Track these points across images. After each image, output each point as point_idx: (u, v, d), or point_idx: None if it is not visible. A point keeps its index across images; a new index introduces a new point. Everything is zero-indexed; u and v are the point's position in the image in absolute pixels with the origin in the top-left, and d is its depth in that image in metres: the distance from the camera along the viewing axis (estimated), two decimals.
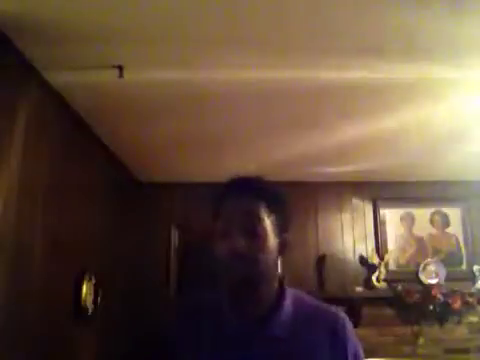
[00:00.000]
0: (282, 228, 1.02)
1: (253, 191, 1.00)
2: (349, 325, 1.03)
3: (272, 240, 0.98)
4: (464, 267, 3.84)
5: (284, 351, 0.96)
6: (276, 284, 1.03)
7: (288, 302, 1.02)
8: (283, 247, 1.02)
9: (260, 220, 0.98)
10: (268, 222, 0.99)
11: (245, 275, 0.94)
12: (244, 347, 0.96)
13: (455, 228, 3.93)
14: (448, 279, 3.72)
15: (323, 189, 3.95)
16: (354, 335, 1.03)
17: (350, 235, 3.92)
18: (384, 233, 3.90)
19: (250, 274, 0.95)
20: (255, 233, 0.97)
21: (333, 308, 1.07)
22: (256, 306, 0.99)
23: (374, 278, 3.73)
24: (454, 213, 3.96)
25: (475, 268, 3.77)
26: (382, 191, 3.97)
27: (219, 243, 0.98)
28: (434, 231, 3.93)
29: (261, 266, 0.96)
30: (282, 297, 1.02)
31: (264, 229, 0.98)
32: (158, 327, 1.11)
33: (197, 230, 3.68)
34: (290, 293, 1.05)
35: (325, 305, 1.07)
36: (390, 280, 3.74)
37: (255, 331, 0.97)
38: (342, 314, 1.05)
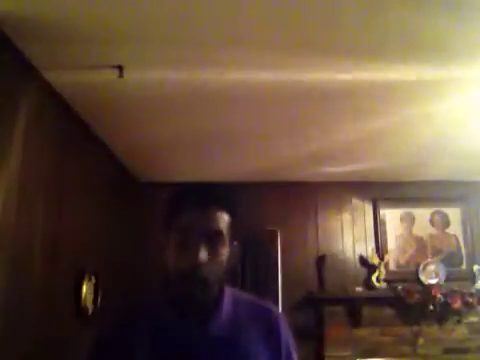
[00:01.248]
0: (235, 236, 1.02)
1: (214, 201, 0.99)
2: (283, 321, 1.07)
3: (226, 251, 0.99)
4: (464, 267, 3.84)
5: (224, 350, 0.97)
6: (217, 286, 1.02)
7: (227, 301, 1.03)
8: (232, 256, 1.01)
9: (220, 234, 0.97)
10: (226, 234, 0.98)
11: (197, 290, 0.94)
12: (185, 348, 0.96)
13: (455, 228, 3.93)
14: (448, 279, 3.72)
15: (323, 189, 3.95)
16: (288, 330, 1.07)
17: (350, 235, 3.92)
18: (384, 233, 3.90)
19: (201, 289, 0.95)
20: (214, 246, 0.96)
21: (268, 304, 1.10)
22: (198, 303, 0.98)
23: (374, 278, 3.73)
24: (454, 213, 3.96)
25: (475, 268, 3.77)
26: (382, 191, 3.98)
27: (174, 252, 0.96)
28: (434, 231, 3.93)
29: (212, 280, 0.96)
30: (221, 297, 1.03)
31: (222, 241, 0.97)
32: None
33: None
34: (228, 292, 1.06)
35: (261, 302, 1.10)
36: (390, 280, 3.74)
37: (196, 332, 0.98)
38: (276, 310, 1.10)
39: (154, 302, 1.06)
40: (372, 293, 3.69)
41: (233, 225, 1.01)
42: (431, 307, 3.57)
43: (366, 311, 3.61)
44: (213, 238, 0.96)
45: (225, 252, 0.98)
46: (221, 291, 1.04)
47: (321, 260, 3.78)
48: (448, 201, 3.97)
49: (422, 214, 3.94)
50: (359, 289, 3.71)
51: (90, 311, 2.53)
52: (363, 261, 3.85)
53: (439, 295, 3.56)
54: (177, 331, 0.97)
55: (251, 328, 1.02)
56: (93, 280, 2.58)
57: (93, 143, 2.74)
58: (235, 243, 1.03)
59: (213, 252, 0.95)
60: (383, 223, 3.93)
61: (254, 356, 0.99)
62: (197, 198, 0.98)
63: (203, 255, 0.92)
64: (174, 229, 0.98)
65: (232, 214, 1.01)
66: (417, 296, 3.58)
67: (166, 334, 0.97)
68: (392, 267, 3.83)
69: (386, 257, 3.80)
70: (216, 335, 0.98)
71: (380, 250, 3.84)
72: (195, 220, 0.96)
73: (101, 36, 1.71)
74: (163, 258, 1.00)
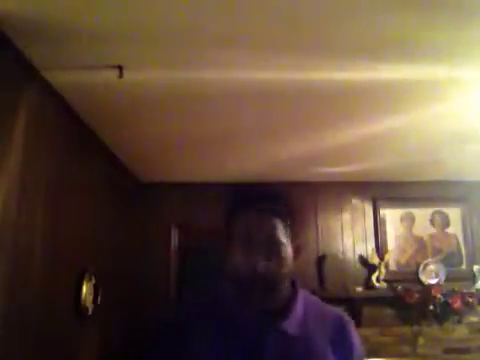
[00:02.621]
0: (295, 235, 1.04)
1: (270, 205, 1.00)
2: (354, 328, 1.08)
3: (289, 253, 1.01)
4: (464, 267, 3.85)
5: (294, 349, 0.98)
6: (289, 285, 1.06)
7: (300, 302, 1.05)
8: (297, 253, 1.04)
9: (280, 242, 0.99)
10: (285, 237, 1.00)
11: (263, 295, 0.97)
12: (256, 341, 0.98)
13: (455, 228, 3.94)
14: (448, 279, 3.73)
15: (323, 189, 3.95)
16: (358, 337, 1.08)
17: (350, 235, 3.92)
18: (384, 233, 3.91)
19: (267, 294, 0.98)
20: (276, 254, 0.98)
21: (340, 311, 1.11)
22: (270, 305, 1.01)
23: (374, 278, 3.73)
24: (454, 213, 3.96)
25: (475, 268, 3.78)
26: (382, 191, 3.98)
27: (239, 256, 0.98)
28: (434, 231, 3.93)
29: (279, 283, 0.99)
30: (295, 297, 1.05)
31: (284, 249, 0.99)
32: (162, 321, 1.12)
33: (197, 230, 3.69)
34: (302, 294, 1.08)
35: (332, 307, 1.12)
36: (390, 280, 3.75)
37: (268, 326, 0.99)
38: (347, 317, 1.10)
39: (227, 297, 1.05)
40: (372, 293, 3.69)
41: (292, 227, 1.03)
42: (431, 307, 3.57)
43: (366, 311, 3.61)
44: (272, 246, 0.98)
45: (285, 256, 1.00)
46: (295, 291, 1.06)
47: (321, 260, 3.78)
48: (448, 201, 3.97)
49: (422, 214, 3.94)
50: (359, 289, 3.71)
51: (90, 311, 2.53)
52: (363, 261, 3.85)
53: (439, 295, 3.57)
54: (250, 327, 0.99)
55: (323, 332, 1.03)
56: (93, 280, 2.58)
57: (93, 143, 2.74)
58: (297, 241, 1.05)
59: (273, 259, 0.98)
60: (383, 223, 3.93)
61: (324, 358, 1.00)
62: (256, 203, 1.01)
63: (261, 265, 0.96)
64: (235, 230, 1.01)
65: (290, 216, 1.03)
66: (417, 296, 3.59)
67: (239, 329, 0.99)
68: (392, 267, 3.83)
69: (386, 257, 3.80)
70: (288, 332, 0.99)
71: (380, 250, 3.84)
72: (254, 229, 0.99)
73: (101, 36, 1.71)
74: (227, 252, 1.03)
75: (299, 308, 1.04)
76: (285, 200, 1.05)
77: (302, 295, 1.08)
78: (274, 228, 0.99)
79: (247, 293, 0.98)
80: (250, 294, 0.98)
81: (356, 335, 1.07)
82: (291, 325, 1.00)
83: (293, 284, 1.08)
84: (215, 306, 1.05)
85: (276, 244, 0.99)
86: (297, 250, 1.04)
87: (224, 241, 1.04)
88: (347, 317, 1.10)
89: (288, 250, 1.01)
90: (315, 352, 0.99)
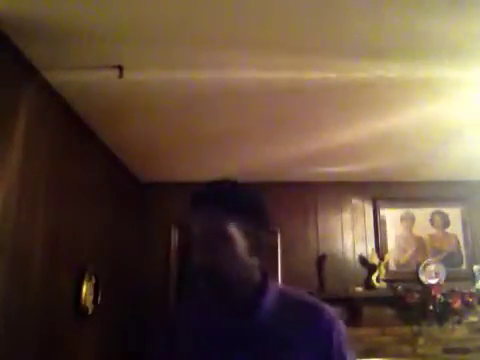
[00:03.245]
0: (253, 229, 1.03)
1: (220, 199, 1.01)
2: (337, 322, 1.04)
3: (240, 247, 1.00)
4: (464, 267, 3.84)
5: (265, 342, 0.98)
6: (256, 280, 1.05)
7: (270, 295, 1.04)
8: (257, 247, 1.03)
9: (227, 232, 0.99)
10: (236, 231, 1.00)
11: (217, 286, 1.00)
12: (227, 337, 0.99)
13: (455, 228, 3.93)
14: (448, 279, 3.72)
15: (323, 189, 3.95)
16: (342, 333, 1.03)
17: (350, 235, 3.92)
18: (384, 233, 3.90)
19: (221, 284, 1.00)
20: (224, 245, 0.99)
21: (322, 305, 1.07)
22: (235, 300, 1.02)
23: (374, 278, 3.73)
24: (454, 213, 3.96)
25: (475, 268, 3.77)
26: (382, 191, 3.98)
27: (193, 253, 1.01)
28: (434, 231, 3.93)
29: (231, 276, 0.99)
30: (263, 290, 1.04)
31: (232, 239, 0.99)
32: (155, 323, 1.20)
33: None
34: (274, 288, 1.07)
35: (315, 301, 1.08)
36: (390, 280, 3.74)
37: (237, 322, 1.00)
38: (330, 311, 1.05)
39: (204, 300, 1.08)
40: (372, 293, 3.68)
41: (247, 220, 1.02)
42: (431, 307, 3.56)
43: (366, 311, 3.61)
44: (222, 238, 0.99)
45: (239, 249, 1.00)
46: (263, 286, 1.05)
47: (321, 260, 3.78)
48: (448, 201, 3.97)
49: (422, 214, 3.94)
50: (359, 289, 3.71)
51: (90, 311, 2.53)
52: (363, 261, 3.85)
53: (439, 295, 3.56)
54: (221, 322, 1.02)
55: (297, 324, 1.01)
56: (93, 280, 2.58)
57: (93, 143, 2.74)
58: (258, 234, 1.04)
59: (225, 252, 0.99)
60: (383, 223, 3.93)
61: (292, 355, 0.98)
62: (208, 198, 1.02)
63: (203, 259, 0.98)
64: (191, 227, 1.03)
65: (242, 209, 1.02)
66: (417, 296, 3.58)
67: (210, 324, 1.02)
68: (392, 267, 3.83)
69: (386, 257, 3.80)
70: (258, 327, 1.00)
71: (380, 250, 3.84)
72: (204, 221, 1.01)
73: (101, 36, 1.71)
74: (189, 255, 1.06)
75: (268, 301, 1.03)
76: (247, 198, 1.05)
77: (274, 288, 1.07)
78: (224, 220, 0.99)
79: (206, 289, 1.01)
80: (208, 290, 1.01)
81: (340, 334, 1.02)
82: (260, 318, 1.00)
83: (264, 278, 1.07)
84: (194, 306, 1.11)
85: (225, 234, 0.99)
86: (256, 244, 1.03)
87: (188, 240, 1.07)
88: (331, 315, 1.04)
89: (238, 244, 1.00)
90: (287, 345, 0.98)
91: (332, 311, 1.05)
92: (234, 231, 1.00)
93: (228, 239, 0.99)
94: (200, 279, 1.00)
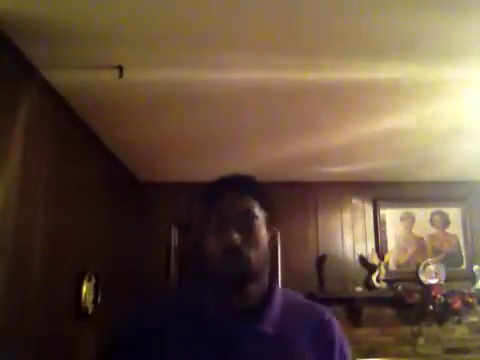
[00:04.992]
0: (271, 222, 1.03)
1: (244, 188, 1.02)
2: (336, 322, 1.04)
3: (264, 235, 1.00)
4: (464, 267, 3.85)
5: (272, 348, 0.95)
6: (266, 281, 1.03)
7: (277, 300, 1.02)
8: (272, 240, 1.03)
9: (254, 216, 0.99)
10: (260, 218, 1.00)
11: (241, 269, 0.94)
12: (231, 344, 0.94)
13: (455, 228, 3.94)
14: (448, 279, 3.72)
15: (323, 189, 3.95)
16: (342, 336, 1.04)
17: (350, 235, 3.92)
18: (384, 233, 3.90)
19: (245, 268, 0.95)
20: (250, 229, 0.97)
21: (320, 306, 1.07)
22: (245, 302, 0.98)
23: (374, 278, 3.73)
24: (454, 213, 3.96)
25: (475, 268, 3.77)
26: (382, 191, 3.98)
27: (212, 239, 0.97)
28: (434, 231, 3.93)
29: (255, 261, 0.96)
30: (272, 294, 1.02)
31: (258, 225, 0.99)
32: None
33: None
34: (279, 291, 1.05)
35: (312, 303, 1.08)
36: (390, 280, 3.74)
37: (243, 327, 0.96)
38: (328, 312, 1.06)
39: (197, 299, 1.02)
40: (372, 293, 3.69)
41: (267, 214, 1.02)
42: (431, 307, 3.57)
43: (366, 311, 3.61)
44: (248, 222, 0.98)
45: (263, 236, 0.99)
46: (272, 289, 1.03)
47: (321, 260, 3.78)
48: (448, 201, 3.97)
49: (422, 214, 3.94)
50: (359, 289, 3.71)
51: (90, 311, 2.53)
52: (363, 261, 3.85)
53: (439, 295, 3.56)
54: (224, 328, 0.95)
55: (301, 329, 1.00)
56: (93, 280, 2.58)
57: (93, 143, 2.74)
58: (273, 228, 1.04)
59: (249, 235, 0.97)
60: (383, 223, 3.93)
61: (303, 358, 0.96)
62: (231, 186, 1.02)
63: (238, 237, 0.94)
64: (209, 215, 1.00)
65: (265, 202, 1.03)
66: (417, 296, 3.59)
67: (213, 331, 0.95)
68: (392, 267, 3.83)
69: (386, 257, 3.80)
70: (264, 332, 0.96)
71: (380, 250, 3.84)
72: (230, 206, 0.99)
73: (101, 36, 1.71)
74: (201, 248, 1.01)
75: (276, 306, 1.00)
76: (265, 193, 1.05)
77: (280, 293, 1.04)
78: (250, 206, 0.99)
79: (224, 279, 0.96)
80: (227, 277, 0.95)
81: (340, 334, 1.03)
82: (267, 325, 0.97)
83: (270, 282, 1.04)
84: (189, 308, 1.00)
85: (252, 218, 0.98)
86: (272, 237, 1.03)
87: (195, 234, 1.03)
88: (330, 315, 1.05)
89: (264, 231, 1.00)
90: (293, 353, 0.96)
91: (330, 312, 1.05)
92: (262, 220, 1.00)
93: (258, 226, 0.99)
94: (222, 261, 0.94)
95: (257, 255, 0.96)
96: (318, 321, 1.02)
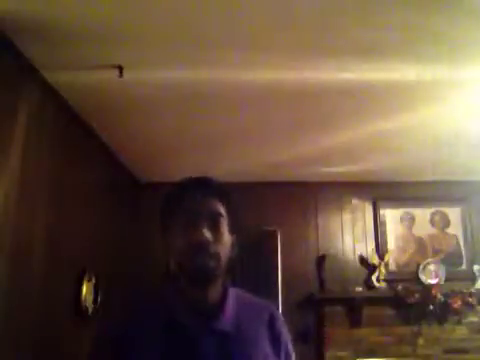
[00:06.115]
0: (233, 228, 1.08)
1: (211, 189, 1.07)
2: (282, 321, 1.12)
3: (228, 238, 1.05)
4: (464, 267, 3.84)
5: (230, 347, 0.99)
6: (222, 281, 1.07)
7: (231, 299, 1.07)
8: (232, 247, 1.07)
9: (221, 216, 1.04)
10: (226, 220, 1.05)
11: (209, 263, 0.99)
12: (192, 342, 0.98)
13: (455, 228, 3.93)
14: (448, 279, 3.72)
15: (323, 189, 3.95)
16: (287, 331, 1.11)
17: (350, 235, 3.92)
18: (384, 233, 3.90)
19: (213, 263, 0.99)
20: (217, 227, 1.02)
21: (267, 302, 1.14)
22: (206, 301, 1.03)
23: (374, 278, 3.73)
24: (454, 213, 3.96)
25: (475, 268, 3.77)
26: (382, 191, 3.97)
27: (181, 235, 1.01)
28: (434, 231, 3.93)
29: (222, 257, 1.01)
30: (226, 294, 1.07)
31: (224, 224, 1.04)
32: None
33: None
34: (232, 291, 1.10)
35: (260, 300, 1.14)
36: (390, 280, 3.74)
37: (202, 327, 1.00)
38: (273, 307, 1.14)
39: (159, 301, 1.09)
40: (372, 293, 3.68)
41: (231, 216, 1.07)
42: (431, 307, 3.56)
43: (366, 311, 3.60)
44: (215, 220, 1.02)
45: (227, 236, 1.04)
46: (225, 290, 1.08)
47: (321, 260, 3.78)
48: (448, 201, 3.96)
49: (422, 214, 3.94)
50: (359, 289, 3.71)
51: (90, 311, 2.53)
52: (363, 261, 3.85)
53: (439, 295, 3.56)
54: (184, 328, 0.99)
55: (254, 325, 1.06)
56: (93, 280, 2.58)
57: (93, 143, 2.74)
58: (234, 235, 1.08)
59: (216, 233, 1.01)
60: (383, 223, 3.92)
61: (256, 354, 1.01)
62: (199, 187, 1.06)
63: (208, 233, 0.99)
64: (178, 214, 1.04)
65: (231, 207, 1.08)
66: (417, 296, 3.58)
67: (173, 332, 0.99)
68: (392, 267, 3.82)
69: (386, 257, 3.80)
70: (223, 330, 1.00)
71: (380, 250, 3.84)
72: (198, 204, 1.03)
73: (101, 36, 1.71)
74: (165, 246, 1.07)
75: (231, 305, 1.05)
76: (230, 195, 1.09)
77: (233, 292, 1.09)
78: (217, 206, 1.04)
79: (192, 272, 0.99)
80: (195, 270, 0.98)
81: (285, 327, 1.10)
82: (224, 323, 1.01)
83: (223, 282, 1.08)
84: (155, 309, 1.07)
85: (219, 217, 1.03)
86: (233, 244, 1.07)
87: (162, 232, 1.08)
88: (272, 307, 1.13)
89: (227, 231, 1.04)
90: (250, 349, 1.01)
91: (275, 308, 1.14)
92: (227, 223, 1.05)
93: (224, 227, 1.04)
94: (190, 256, 0.98)
95: (224, 253, 1.02)
96: (268, 316, 1.09)
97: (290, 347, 1.10)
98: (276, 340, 1.06)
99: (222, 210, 1.04)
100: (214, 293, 1.04)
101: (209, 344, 0.98)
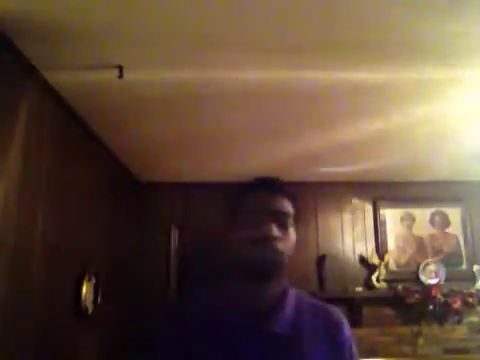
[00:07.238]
0: (296, 222, 1.08)
1: (282, 189, 1.07)
2: (348, 327, 1.08)
3: (293, 237, 1.05)
4: (464, 267, 3.85)
5: (285, 351, 0.97)
6: (282, 282, 1.06)
7: (290, 301, 1.04)
8: (294, 246, 1.07)
9: (288, 214, 1.04)
10: (292, 220, 1.05)
11: (273, 259, 0.98)
12: (244, 343, 0.96)
13: (455, 228, 3.94)
14: (448, 279, 3.73)
15: (323, 189, 3.95)
16: (351, 336, 1.08)
17: (350, 235, 3.92)
18: (384, 233, 3.90)
19: (277, 259, 0.99)
20: (285, 225, 1.02)
21: (331, 307, 1.10)
22: (263, 301, 1.01)
23: (374, 278, 3.73)
24: (454, 213, 3.96)
25: (475, 268, 3.77)
26: (382, 191, 3.98)
27: (248, 231, 1.00)
28: (434, 231, 3.93)
29: (285, 256, 1.01)
30: (285, 295, 1.04)
31: (291, 223, 1.04)
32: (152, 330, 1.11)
33: (197, 230, 3.69)
34: (292, 292, 1.07)
35: (323, 304, 1.11)
36: (390, 280, 3.74)
37: (257, 328, 0.98)
38: (339, 313, 1.10)
39: (218, 299, 1.06)
40: (372, 293, 3.69)
41: (296, 216, 1.07)
42: (431, 307, 3.57)
43: (366, 311, 3.61)
44: (283, 219, 1.03)
45: (292, 235, 1.05)
46: (285, 291, 1.06)
47: (321, 260, 3.78)
48: (448, 201, 3.97)
49: (422, 214, 3.94)
50: (359, 289, 3.71)
51: (90, 311, 2.53)
52: (363, 261, 3.85)
53: (439, 295, 3.56)
54: (239, 329, 0.98)
55: (314, 329, 1.03)
56: (93, 280, 2.58)
57: (93, 143, 2.74)
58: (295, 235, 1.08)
59: (283, 231, 1.01)
60: (383, 223, 3.93)
61: (316, 358, 0.99)
62: (267, 186, 1.07)
63: (275, 230, 0.99)
64: (246, 212, 1.04)
65: (295, 205, 1.08)
66: (417, 296, 3.59)
67: (227, 330, 0.98)
68: (392, 267, 3.83)
69: (386, 257, 3.80)
70: (279, 334, 0.98)
71: (380, 250, 3.84)
72: (267, 202, 1.03)
73: (101, 36, 1.71)
74: (230, 243, 1.06)
75: (289, 307, 1.03)
76: (294, 195, 1.10)
77: (293, 294, 1.07)
78: (285, 204, 1.05)
79: (254, 268, 0.98)
80: (258, 265, 0.97)
81: (349, 334, 1.07)
82: (281, 325, 0.99)
83: (283, 283, 1.07)
84: (209, 310, 1.04)
85: (287, 215, 1.03)
86: (294, 243, 1.07)
87: (229, 228, 1.07)
88: (341, 316, 1.09)
89: (293, 232, 1.05)
90: (307, 353, 0.98)
91: (341, 313, 1.10)
92: (291, 215, 1.05)
93: (290, 221, 1.04)
94: (256, 251, 0.97)
95: (287, 251, 1.02)
96: (330, 322, 1.05)
97: (354, 350, 1.07)
98: (339, 344, 1.04)
99: (289, 209, 1.05)
100: (274, 292, 1.02)
101: (262, 346, 0.96)
